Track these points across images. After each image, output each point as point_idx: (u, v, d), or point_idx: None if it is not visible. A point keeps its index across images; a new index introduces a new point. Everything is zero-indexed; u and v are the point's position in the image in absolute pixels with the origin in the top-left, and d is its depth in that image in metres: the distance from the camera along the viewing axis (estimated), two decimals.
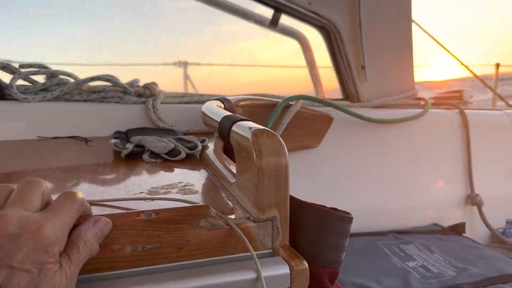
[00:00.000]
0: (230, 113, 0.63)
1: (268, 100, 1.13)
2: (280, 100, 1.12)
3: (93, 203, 0.48)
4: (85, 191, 0.56)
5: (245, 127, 0.50)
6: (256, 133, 0.46)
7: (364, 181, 1.35)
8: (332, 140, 1.29)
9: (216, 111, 0.71)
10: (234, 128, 0.54)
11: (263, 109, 1.09)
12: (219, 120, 0.62)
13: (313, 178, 1.30)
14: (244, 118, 0.57)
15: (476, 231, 1.46)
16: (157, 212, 0.42)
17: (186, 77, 2.91)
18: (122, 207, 0.49)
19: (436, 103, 1.64)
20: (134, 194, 0.54)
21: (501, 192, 1.53)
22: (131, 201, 0.51)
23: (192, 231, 0.43)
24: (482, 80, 2.59)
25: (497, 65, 3.68)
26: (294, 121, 1.14)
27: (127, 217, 0.42)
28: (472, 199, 1.44)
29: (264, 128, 0.47)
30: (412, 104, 1.54)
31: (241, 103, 0.99)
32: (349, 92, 1.49)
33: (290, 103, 1.14)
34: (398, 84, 1.56)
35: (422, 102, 1.56)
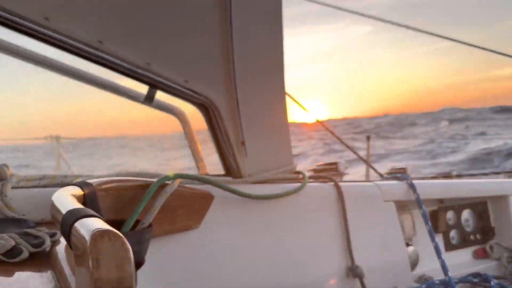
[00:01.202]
0: (78, 206, 0.54)
1: (141, 181, 1.04)
2: (154, 180, 1.05)
3: None
4: None
5: (87, 226, 0.42)
6: (95, 236, 0.38)
7: (247, 260, 1.30)
8: (214, 219, 1.24)
9: (63, 201, 0.60)
10: (76, 226, 0.45)
11: (135, 191, 1.00)
12: (63, 213, 0.52)
13: (195, 261, 1.21)
14: (92, 213, 0.48)
15: None
16: None
17: (59, 153, 2.68)
18: None
19: (312, 176, 1.70)
20: None
21: (380, 262, 1.59)
22: None
23: None
24: (356, 152, 2.80)
25: (368, 137, 4.07)
26: (171, 201, 1.06)
27: None
28: (353, 271, 1.47)
29: (107, 230, 0.39)
30: (291, 178, 1.58)
31: (105, 186, 0.89)
32: (230, 167, 1.47)
33: (167, 182, 1.07)
34: (277, 158, 1.59)
35: (300, 176, 1.61)
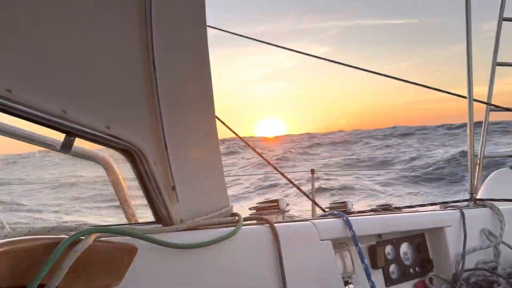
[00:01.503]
0: None
1: (51, 238, 0.96)
2: (66, 236, 0.97)
3: None
4: None
5: None
6: None
7: None
8: (138, 274, 1.16)
9: None
10: None
11: (42, 251, 0.92)
12: None
13: None
14: None
15: None
16: None
17: None
18: None
19: (248, 217, 1.66)
20: None
21: None
22: None
23: None
24: (299, 188, 2.80)
25: (312, 171, 4.12)
26: (85, 258, 0.99)
27: None
28: None
29: None
30: (226, 222, 1.53)
31: (2, 250, 0.81)
32: (160, 214, 1.41)
33: (80, 237, 1.00)
34: (212, 201, 1.55)
35: (237, 218, 1.57)
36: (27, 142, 1.23)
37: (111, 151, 1.37)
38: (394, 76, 2.61)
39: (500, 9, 3.45)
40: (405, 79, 2.58)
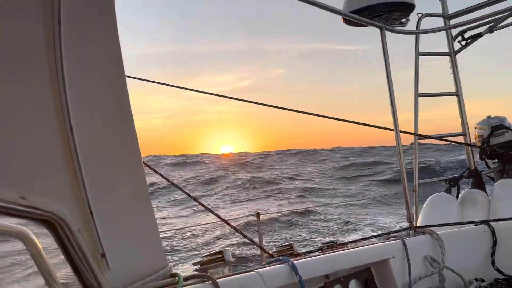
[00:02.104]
0: None
1: None
2: None
3: None
4: None
5: None
6: None
7: None
8: None
9: None
10: None
11: None
12: None
13: None
14: None
15: None
16: None
17: None
18: None
19: (189, 276, 1.57)
20: None
21: None
22: None
23: None
24: (245, 235, 2.74)
25: (258, 214, 4.07)
26: None
27: None
28: None
29: None
30: (165, 284, 1.44)
31: None
32: (90, 285, 1.29)
33: None
34: (148, 264, 1.46)
35: (176, 279, 1.48)
36: None
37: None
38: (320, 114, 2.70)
39: (416, 44, 3.71)
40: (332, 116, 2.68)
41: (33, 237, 1.29)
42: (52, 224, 1.23)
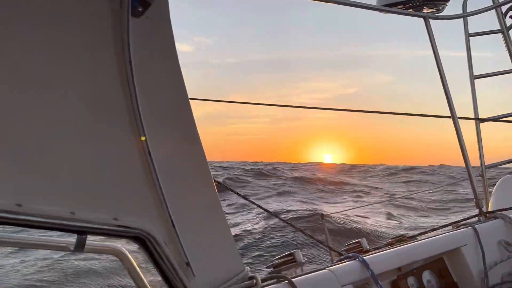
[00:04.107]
0: None
1: None
2: None
3: None
4: None
5: None
6: None
7: None
8: None
9: None
10: None
11: None
12: None
13: None
14: None
15: None
16: None
17: None
18: None
19: (267, 277, 1.67)
20: None
21: None
22: None
23: None
24: (314, 237, 2.81)
25: (322, 216, 4.11)
26: None
27: None
28: None
29: None
30: (245, 286, 1.55)
31: None
32: None
33: None
34: (227, 269, 1.57)
35: (254, 282, 1.58)
36: (42, 249, 1.28)
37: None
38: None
39: (464, 26, 3.62)
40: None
41: (127, 253, 1.47)
42: (142, 240, 1.39)
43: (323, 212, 4.17)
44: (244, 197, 2.76)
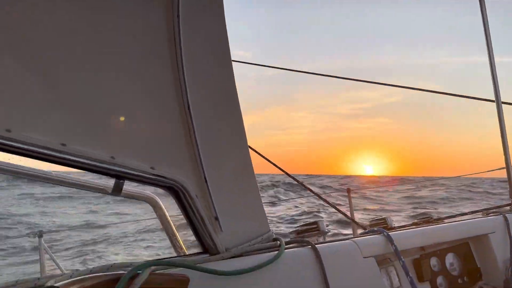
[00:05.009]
0: None
1: (112, 275, 1.06)
2: (125, 272, 1.06)
3: None
4: None
5: None
6: None
7: None
8: None
9: None
10: None
11: (104, 287, 1.01)
12: None
13: None
14: None
15: None
16: None
17: (42, 249, 2.64)
18: None
19: (290, 241, 1.71)
20: None
21: None
22: None
23: None
24: (338, 209, 2.83)
25: (348, 190, 4.11)
26: None
27: None
28: None
29: None
30: (269, 247, 1.59)
31: None
32: (207, 244, 1.49)
33: (138, 272, 1.09)
34: (253, 228, 1.62)
35: (278, 243, 1.62)
36: (81, 189, 1.35)
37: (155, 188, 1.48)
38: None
39: None
40: None
41: (160, 202, 1.53)
42: (175, 191, 1.44)
43: (349, 187, 4.17)
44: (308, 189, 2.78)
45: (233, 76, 1.60)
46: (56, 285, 0.88)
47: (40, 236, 2.79)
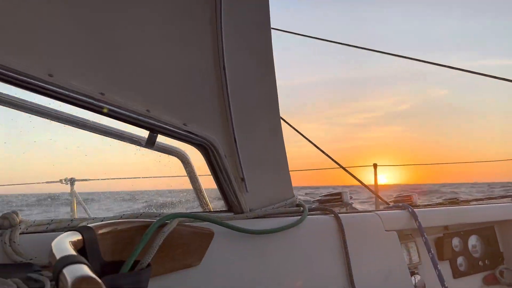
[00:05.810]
0: (70, 253, 0.59)
1: (142, 222, 1.10)
2: (154, 220, 1.10)
3: None
4: None
5: (71, 273, 0.47)
6: (74, 282, 0.43)
7: None
8: (214, 256, 1.28)
9: (59, 247, 0.66)
10: (64, 272, 0.50)
11: (135, 232, 1.06)
12: (56, 259, 0.58)
13: None
14: (80, 260, 0.53)
15: None
16: None
17: (74, 195, 2.76)
18: None
19: (313, 208, 1.73)
20: None
21: None
22: None
23: None
24: (361, 182, 2.82)
25: (375, 166, 4.08)
26: (171, 240, 1.12)
27: None
28: None
29: (87, 276, 0.45)
30: (292, 212, 1.62)
31: (105, 230, 0.95)
32: (232, 203, 1.53)
33: (166, 222, 1.13)
34: (278, 192, 1.64)
35: (301, 209, 1.64)
36: (116, 139, 1.39)
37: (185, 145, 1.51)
38: None
39: None
40: None
41: (190, 158, 1.56)
42: (205, 149, 1.47)
43: (375, 163, 4.14)
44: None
45: (271, 44, 1.58)
46: (89, 225, 0.93)
47: (72, 183, 2.92)
